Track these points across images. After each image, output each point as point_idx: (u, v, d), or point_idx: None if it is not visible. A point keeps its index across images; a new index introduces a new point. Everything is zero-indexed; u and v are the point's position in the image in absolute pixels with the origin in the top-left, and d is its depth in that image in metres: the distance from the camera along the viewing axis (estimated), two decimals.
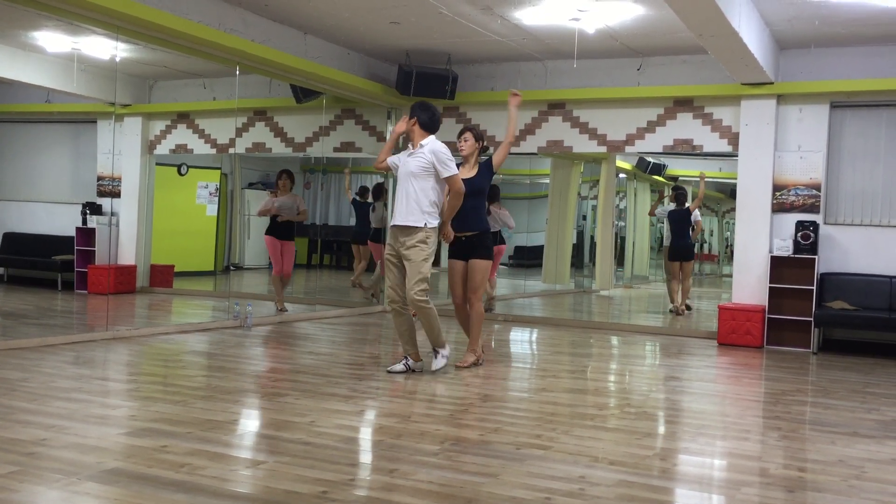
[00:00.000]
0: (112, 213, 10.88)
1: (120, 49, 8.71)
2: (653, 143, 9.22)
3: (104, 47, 8.72)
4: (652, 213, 11.83)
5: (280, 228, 9.41)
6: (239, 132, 10.69)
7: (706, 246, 16.96)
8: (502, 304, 11.33)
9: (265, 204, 9.57)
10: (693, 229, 10.93)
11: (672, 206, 11.00)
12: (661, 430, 4.77)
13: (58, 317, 9.21)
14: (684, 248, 10.78)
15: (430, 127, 6.05)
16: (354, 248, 11.11)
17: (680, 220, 10.80)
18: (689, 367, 7.12)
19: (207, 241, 11.87)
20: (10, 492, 3.19)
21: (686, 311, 10.80)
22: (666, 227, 11.22)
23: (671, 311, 10.89)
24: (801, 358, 7.67)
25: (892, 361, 7.59)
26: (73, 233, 10.78)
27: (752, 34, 7.00)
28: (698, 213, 11.25)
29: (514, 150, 9.82)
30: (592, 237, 13.13)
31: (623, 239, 13.54)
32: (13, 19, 8.09)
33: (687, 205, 10.89)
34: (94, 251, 10.70)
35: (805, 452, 4.34)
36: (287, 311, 9.47)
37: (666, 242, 11.21)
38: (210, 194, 11.83)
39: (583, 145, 9.52)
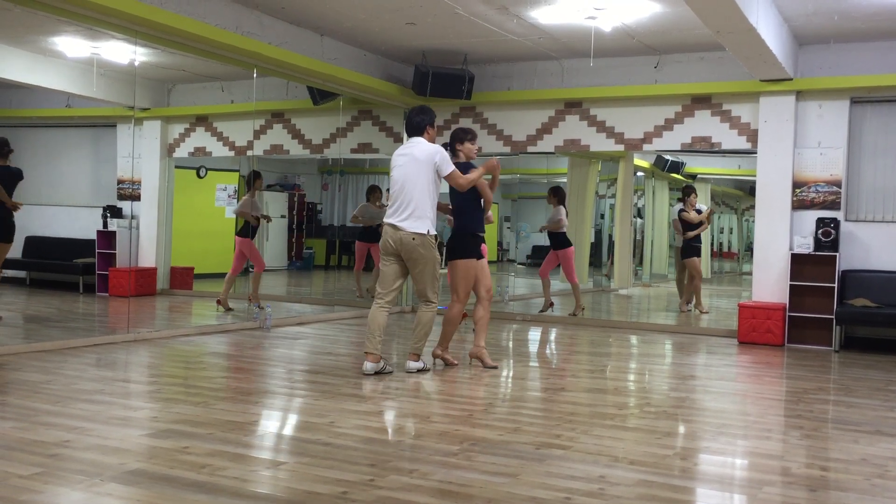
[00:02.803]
0: (132, 216, 10.97)
1: (139, 53, 8.77)
2: (671, 141, 9.19)
3: (123, 52, 8.79)
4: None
5: (251, 229, 9.53)
6: (257, 134, 10.74)
7: (725, 243, 16.87)
8: (520, 303, 11.31)
9: (248, 206, 9.57)
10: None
11: (680, 205, 10.95)
12: (682, 429, 4.75)
13: (79, 319, 9.29)
14: (689, 246, 10.75)
15: None
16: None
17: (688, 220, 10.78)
18: (709, 366, 7.08)
19: (227, 244, 11.91)
20: (34, 493, 3.23)
21: (687, 310, 10.73)
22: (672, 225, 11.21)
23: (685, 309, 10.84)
24: (822, 356, 7.61)
25: None
26: (94, 236, 10.88)
27: (770, 30, 6.95)
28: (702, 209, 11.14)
29: (531, 149, 9.85)
30: (611, 236, 13.09)
31: (641, 237, 13.50)
32: (33, 25, 8.17)
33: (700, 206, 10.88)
34: (115, 254, 10.78)
35: (827, 451, 4.30)
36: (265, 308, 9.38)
37: (674, 241, 11.17)
38: (229, 196, 11.90)
39: (600, 144, 9.49)
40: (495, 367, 6.34)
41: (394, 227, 5.93)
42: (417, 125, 6.11)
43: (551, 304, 10.26)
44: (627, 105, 9.28)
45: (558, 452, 4.01)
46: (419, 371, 6.06)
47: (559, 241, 10.12)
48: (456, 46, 8.97)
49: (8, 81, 9.64)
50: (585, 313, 9.97)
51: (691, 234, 10.71)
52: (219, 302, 9.55)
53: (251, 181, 9.64)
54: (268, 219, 9.67)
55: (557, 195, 10.26)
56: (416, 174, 5.92)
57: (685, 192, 10.96)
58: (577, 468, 3.75)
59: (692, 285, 10.75)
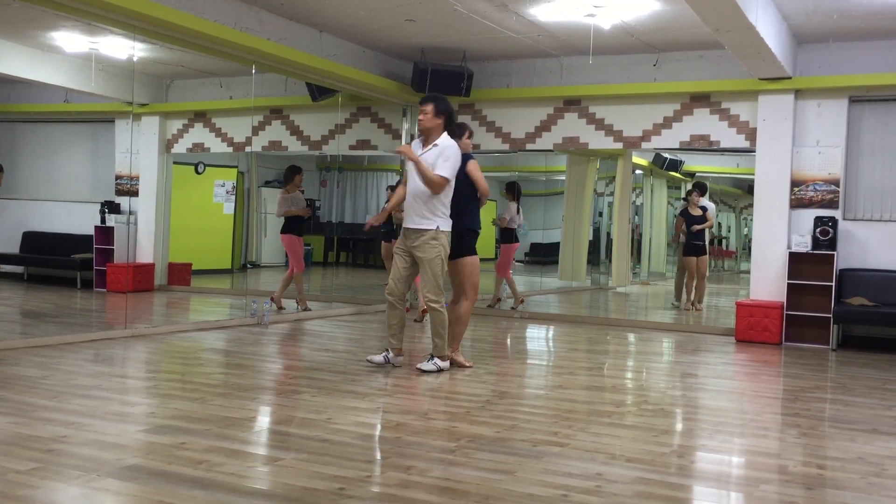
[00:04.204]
0: (130, 212, 10.95)
1: (137, 49, 8.76)
2: (669, 139, 9.19)
3: (122, 47, 8.78)
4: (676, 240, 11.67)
5: (299, 225, 9.41)
6: (255, 130, 10.73)
7: (724, 242, 16.90)
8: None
9: (288, 203, 9.46)
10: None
11: (684, 202, 10.96)
12: (679, 427, 4.76)
13: (77, 315, 9.28)
14: (699, 243, 10.73)
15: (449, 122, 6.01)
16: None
17: (694, 215, 10.76)
18: (706, 364, 7.09)
19: (224, 240, 11.93)
20: (31, 488, 3.23)
21: (698, 309, 10.74)
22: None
23: (678, 306, 10.83)
24: (819, 354, 7.62)
25: None
26: (91, 231, 10.86)
27: (769, 29, 6.95)
28: (713, 207, 11.17)
29: (530, 146, 9.85)
30: (609, 234, 13.10)
31: (640, 235, 13.51)
32: (32, 20, 8.15)
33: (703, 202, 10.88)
34: (113, 250, 10.76)
35: (824, 450, 4.31)
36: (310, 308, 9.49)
37: (681, 239, 11.15)
38: (227, 192, 11.89)
39: (599, 142, 9.49)
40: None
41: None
42: (454, 132, 6.05)
43: (521, 301, 10.29)
44: (626, 103, 9.27)
45: (555, 450, 4.01)
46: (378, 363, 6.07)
47: (506, 235, 10.27)
48: (455, 43, 8.96)
49: (6, 76, 9.63)
50: (500, 305, 10.23)
51: (697, 227, 10.69)
52: (298, 301, 9.41)
53: (290, 176, 9.45)
54: (306, 212, 9.54)
55: (512, 191, 10.30)
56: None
57: (689, 192, 11.00)
58: (575, 465, 3.75)
59: (697, 283, 10.79)
